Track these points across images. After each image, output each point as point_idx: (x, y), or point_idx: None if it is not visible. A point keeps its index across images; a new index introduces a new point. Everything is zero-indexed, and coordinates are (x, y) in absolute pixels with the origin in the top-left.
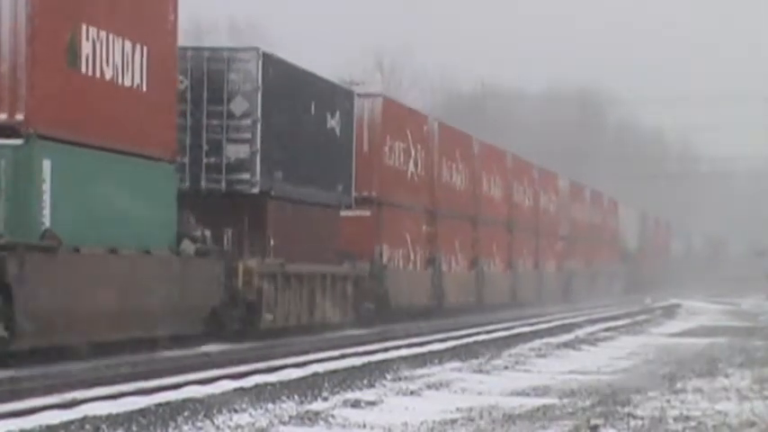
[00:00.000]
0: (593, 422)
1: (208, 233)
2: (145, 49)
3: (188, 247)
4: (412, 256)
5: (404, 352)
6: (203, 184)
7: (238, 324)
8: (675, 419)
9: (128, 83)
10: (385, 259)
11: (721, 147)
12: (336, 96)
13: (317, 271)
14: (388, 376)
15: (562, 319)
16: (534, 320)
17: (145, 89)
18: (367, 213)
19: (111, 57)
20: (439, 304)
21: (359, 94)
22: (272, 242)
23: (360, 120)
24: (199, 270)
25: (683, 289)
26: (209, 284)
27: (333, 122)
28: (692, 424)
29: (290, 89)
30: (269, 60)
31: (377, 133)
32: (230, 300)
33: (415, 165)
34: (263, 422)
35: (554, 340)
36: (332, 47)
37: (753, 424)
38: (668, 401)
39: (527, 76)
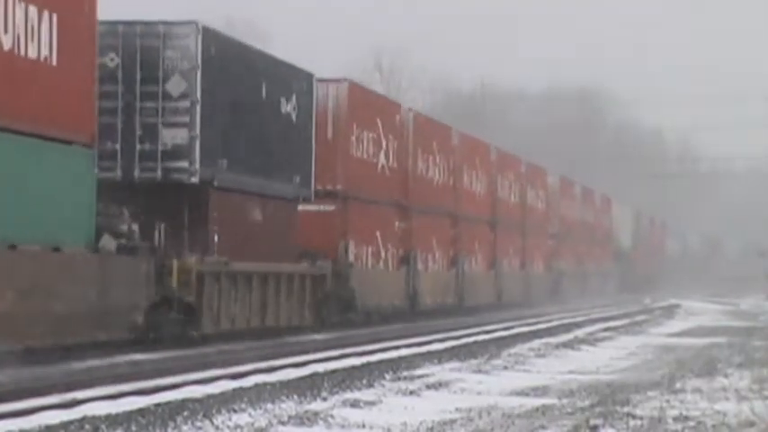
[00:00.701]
0: (592, 422)
1: (136, 227)
2: (54, 16)
3: (108, 243)
4: (383, 254)
5: (403, 352)
6: (137, 173)
7: (175, 329)
8: (675, 419)
9: (32, 54)
10: (351, 257)
11: (720, 147)
12: (293, 79)
13: (268, 270)
14: (388, 376)
15: (560, 320)
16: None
17: (55, 62)
18: (331, 208)
19: (11, 23)
20: (413, 306)
21: (321, 79)
22: (215, 238)
23: (323, 106)
24: (121, 269)
25: (680, 289)
26: (135, 285)
27: (288, 107)
28: (691, 424)
29: (236, 68)
30: (210, 36)
31: (342, 121)
32: (163, 302)
33: (387, 156)
34: (263, 422)
35: (553, 340)
36: (331, 47)
37: (752, 424)
38: (667, 401)
39: (526, 77)
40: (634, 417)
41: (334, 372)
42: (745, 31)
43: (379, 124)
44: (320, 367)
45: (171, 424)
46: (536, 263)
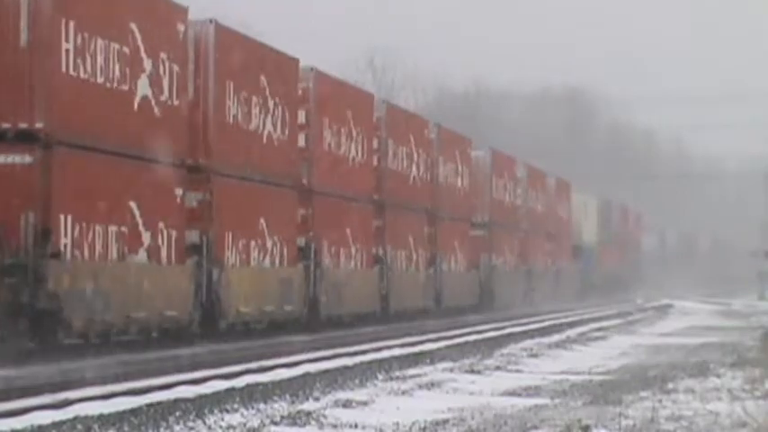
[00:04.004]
0: (584, 422)
1: None
2: None
3: None
4: (146, 240)
5: (396, 352)
6: None
7: None
8: (667, 419)
9: None
10: (64, 243)
11: (713, 147)
12: None
13: None
14: (380, 376)
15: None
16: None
17: None
18: (25, 159)
19: None
20: (211, 318)
21: None
22: None
23: None
24: None
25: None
26: None
27: None
28: (684, 424)
29: None
30: None
31: (46, 16)
32: None
33: (158, 88)
34: (255, 422)
35: (545, 340)
36: (324, 46)
37: (744, 424)
38: (660, 401)
39: (520, 77)
40: (626, 417)
41: (326, 372)
42: (740, 31)
43: (136, 32)
44: (312, 367)
45: (163, 424)
46: (454, 258)
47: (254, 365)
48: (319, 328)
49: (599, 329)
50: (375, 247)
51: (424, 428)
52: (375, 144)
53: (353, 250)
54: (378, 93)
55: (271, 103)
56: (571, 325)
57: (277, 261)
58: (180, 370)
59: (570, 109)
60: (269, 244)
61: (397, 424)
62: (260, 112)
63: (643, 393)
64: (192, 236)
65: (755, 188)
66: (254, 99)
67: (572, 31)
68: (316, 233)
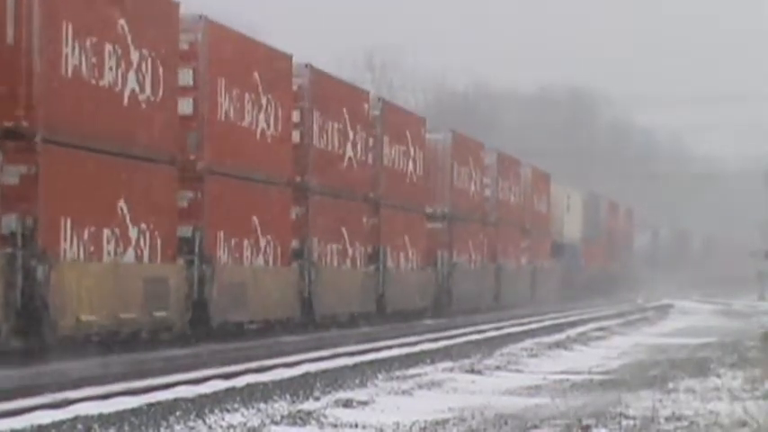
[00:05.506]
0: (584, 422)
1: None
2: None
3: None
4: None
5: (395, 352)
6: None
7: None
8: (667, 419)
9: None
10: None
11: (713, 147)
12: None
13: None
14: (380, 376)
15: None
16: None
17: None
18: None
19: None
20: (35, 331)
21: None
22: None
23: None
24: None
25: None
26: None
27: None
28: (684, 424)
29: None
30: None
31: None
32: None
33: None
34: (255, 422)
35: (545, 340)
36: (323, 45)
37: (744, 424)
38: (660, 401)
39: (519, 77)
40: (626, 417)
41: (326, 371)
42: (740, 31)
43: None
44: (312, 367)
45: (163, 423)
46: (404, 254)
47: (254, 365)
48: (209, 338)
49: (599, 329)
50: (295, 239)
51: (425, 428)
52: (296, 117)
53: (263, 243)
54: (377, 93)
55: (135, 56)
56: (571, 325)
57: (146, 255)
58: None
59: (570, 109)
60: (133, 234)
61: (398, 424)
62: (117, 66)
63: (643, 393)
64: (10, 222)
65: (755, 188)
66: (109, 49)
67: (572, 31)
68: (207, 221)
